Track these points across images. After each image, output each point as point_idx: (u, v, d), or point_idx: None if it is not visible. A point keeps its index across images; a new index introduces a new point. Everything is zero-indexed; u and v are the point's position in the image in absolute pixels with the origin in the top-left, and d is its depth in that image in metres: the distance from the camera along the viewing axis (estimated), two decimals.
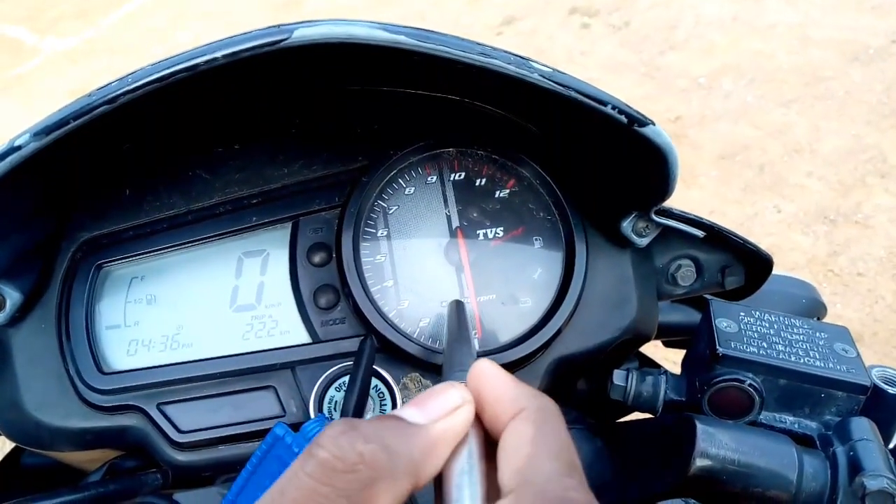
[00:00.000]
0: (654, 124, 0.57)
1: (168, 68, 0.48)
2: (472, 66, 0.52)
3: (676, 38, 4.03)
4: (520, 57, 0.54)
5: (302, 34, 0.49)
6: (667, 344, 0.95)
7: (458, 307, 0.57)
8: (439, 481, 0.36)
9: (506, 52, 0.53)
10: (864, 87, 3.54)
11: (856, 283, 2.76)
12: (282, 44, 0.49)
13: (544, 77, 0.54)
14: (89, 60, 4.86)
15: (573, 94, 0.54)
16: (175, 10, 5.30)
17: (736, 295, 0.78)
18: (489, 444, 0.37)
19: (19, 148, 0.49)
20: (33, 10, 5.52)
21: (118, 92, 0.49)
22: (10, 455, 0.78)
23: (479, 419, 0.37)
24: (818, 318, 1.05)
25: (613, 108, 0.55)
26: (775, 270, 1.14)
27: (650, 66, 3.87)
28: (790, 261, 2.85)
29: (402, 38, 0.50)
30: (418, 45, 0.51)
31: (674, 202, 0.69)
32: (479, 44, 0.53)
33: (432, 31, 0.52)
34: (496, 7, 4.57)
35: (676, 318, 0.89)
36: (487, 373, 0.38)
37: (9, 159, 0.50)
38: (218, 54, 0.48)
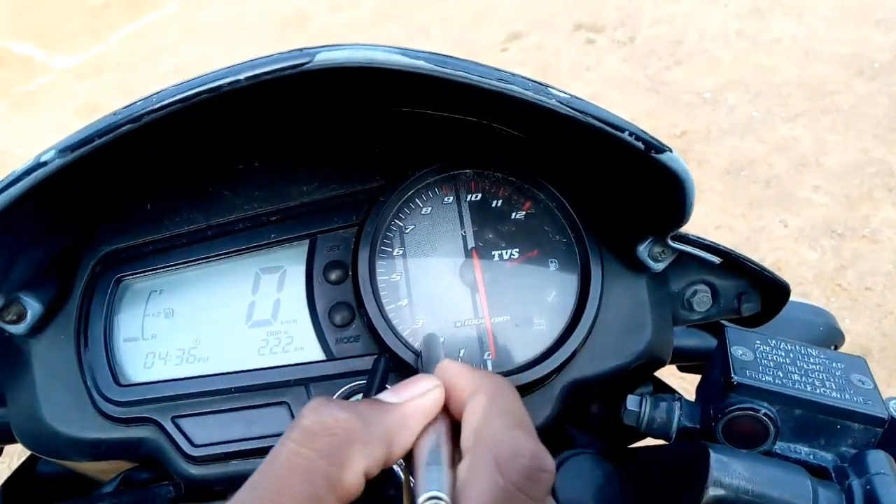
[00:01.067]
0: (671, 151, 0.57)
1: (192, 89, 0.49)
2: (490, 92, 0.53)
3: (681, 53, 4.04)
4: (538, 83, 0.54)
5: (324, 58, 0.50)
6: (682, 369, 0.95)
7: (429, 339, 0.59)
8: (410, 462, 0.40)
9: (524, 78, 0.54)
10: (869, 101, 3.54)
11: (864, 298, 2.75)
12: (304, 67, 0.50)
13: (562, 103, 0.54)
14: (98, 77, 4.90)
15: (591, 120, 0.55)
16: (183, 26, 5.35)
17: (752, 321, 0.78)
18: (456, 430, 0.41)
19: (45, 164, 0.51)
20: (43, 28, 5.57)
21: (143, 111, 0.50)
22: (26, 463, 0.79)
23: (447, 411, 0.42)
24: (835, 347, 1.04)
25: (630, 134, 0.55)
26: (797, 298, 1.14)
27: (655, 82, 3.88)
28: (798, 275, 2.85)
29: (421, 62, 0.51)
30: (437, 70, 0.51)
31: None
32: (497, 69, 0.53)
33: (450, 57, 0.53)
34: (501, 23, 4.60)
35: (692, 343, 0.88)
36: (451, 366, 0.43)
37: (34, 175, 0.51)
38: (241, 76, 0.49)
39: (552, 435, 0.69)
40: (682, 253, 0.69)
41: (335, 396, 0.64)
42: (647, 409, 0.64)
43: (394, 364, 0.65)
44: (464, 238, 0.71)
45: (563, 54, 4.22)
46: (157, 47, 5.12)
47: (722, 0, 4.39)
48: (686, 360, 0.89)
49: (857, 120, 3.46)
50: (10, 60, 5.26)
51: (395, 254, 0.70)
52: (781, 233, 3.03)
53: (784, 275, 3.19)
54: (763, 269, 0.72)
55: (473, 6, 4.82)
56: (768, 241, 3.00)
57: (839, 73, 3.72)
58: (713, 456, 0.54)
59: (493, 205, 0.72)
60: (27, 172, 0.51)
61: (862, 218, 3.02)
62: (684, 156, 3.48)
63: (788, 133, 3.46)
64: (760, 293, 0.75)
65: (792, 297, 1.10)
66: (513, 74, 0.53)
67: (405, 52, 0.51)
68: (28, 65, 5.19)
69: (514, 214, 0.72)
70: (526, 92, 0.53)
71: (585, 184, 0.71)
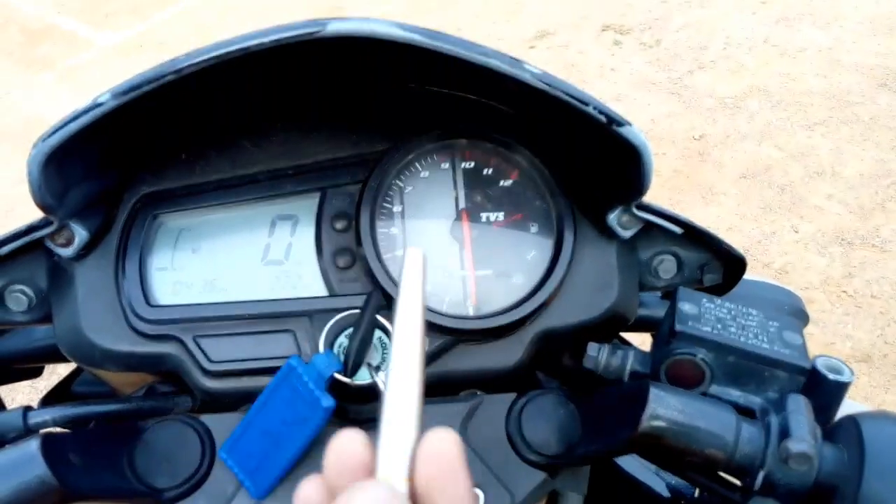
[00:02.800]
0: (630, 125, 0.65)
1: (225, 48, 0.59)
2: (473, 64, 0.61)
3: (706, 58, 4.08)
4: (514, 59, 0.62)
5: (334, 28, 0.59)
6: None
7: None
8: None
9: (503, 54, 0.62)
10: (890, 114, 3.56)
11: (869, 305, 2.79)
12: (317, 34, 0.59)
13: (535, 77, 0.62)
14: (140, 54, 5.04)
15: (559, 93, 0.63)
16: (225, 9, 5.48)
17: (715, 291, 0.85)
18: None
19: (101, 105, 0.60)
20: (89, 5, 5.73)
21: (183, 65, 0.59)
22: (63, 382, 0.89)
23: None
24: None
25: (594, 108, 0.63)
26: (769, 280, 1.21)
27: (678, 85, 3.92)
28: (804, 280, 2.89)
29: (415, 36, 0.60)
30: (429, 43, 0.60)
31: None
32: (481, 46, 0.62)
33: (442, 33, 0.61)
34: (531, 21, 4.66)
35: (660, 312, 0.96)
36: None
37: (91, 113, 0.61)
38: (265, 39, 0.59)
39: (523, 378, 0.78)
40: (650, 224, 0.77)
41: (330, 324, 0.72)
42: (605, 356, 0.72)
43: (387, 303, 0.74)
44: (456, 200, 0.80)
45: (589, 54, 4.28)
46: (197, 28, 5.25)
47: (750, 7, 4.42)
48: (653, 328, 0.96)
49: (877, 131, 3.49)
50: (56, 35, 5.42)
51: (394, 210, 0.79)
52: (792, 238, 3.07)
53: (791, 279, 3.21)
54: (721, 241, 0.79)
55: (506, 3, 4.89)
56: (778, 246, 3.05)
57: (862, 85, 3.74)
58: (652, 391, 0.62)
59: (485, 172, 0.81)
60: (86, 111, 0.61)
61: (873, 228, 3.06)
62: (701, 159, 3.55)
63: (806, 141, 3.50)
64: (722, 265, 0.83)
65: (768, 280, 1.18)
66: (494, 51, 0.62)
67: (403, 26, 0.60)
68: (73, 40, 5.33)
69: (502, 182, 0.81)
70: (503, 66, 0.61)
71: (564, 157, 0.79)
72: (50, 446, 0.61)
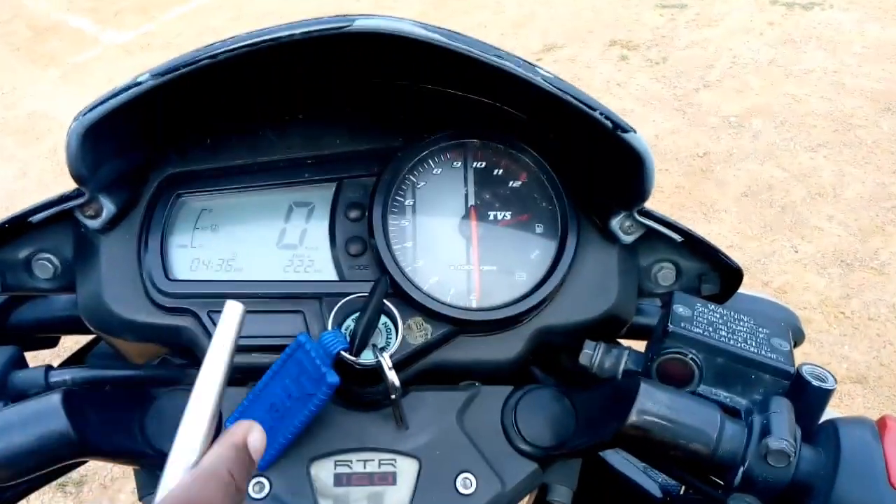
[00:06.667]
0: (635, 132, 0.68)
1: (258, 37, 0.63)
2: (488, 66, 0.64)
3: (712, 76, 4.13)
4: (528, 62, 0.66)
5: (361, 24, 0.63)
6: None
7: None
8: None
9: (517, 57, 0.66)
10: (893, 138, 3.60)
11: (865, 327, 2.82)
12: (345, 29, 0.63)
13: (546, 81, 0.65)
14: (145, 54, 5.10)
15: (568, 97, 0.66)
16: (231, 12, 5.54)
17: (712, 301, 0.88)
18: None
19: (140, 84, 0.64)
20: (98, 3, 5.79)
21: (219, 50, 0.63)
22: (77, 354, 0.93)
23: None
24: (795, 344, 1.13)
25: (601, 113, 0.66)
26: (766, 296, 1.23)
27: (683, 102, 3.97)
28: (803, 300, 2.92)
29: (436, 36, 0.63)
30: (448, 43, 0.63)
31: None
32: (497, 48, 0.65)
33: (461, 34, 0.65)
34: (539, 33, 4.72)
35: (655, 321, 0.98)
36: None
37: (130, 91, 0.64)
38: (296, 31, 0.63)
39: (520, 373, 0.81)
40: (651, 232, 0.80)
41: (339, 305, 0.75)
42: (600, 354, 0.74)
43: (394, 291, 0.77)
44: (466, 197, 0.83)
45: (595, 68, 4.32)
46: (204, 30, 5.31)
47: (758, 28, 4.47)
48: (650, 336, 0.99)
49: (879, 155, 3.52)
50: (64, 32, 5.48)
51: (406, 203, 0.82)
52: (791, 258, 3.10)
53: (789, 298, 3.23)
54: (720, 251, 0.82)
55: (515, 15, 4.95)
56: (778, 265, 3.08)
57: (866, 108, 3.78)
58: (643, 386, 0.65)
59: (495, 172, 0.84)
60: (125, 89, 0.64)
61: (872, 250, 3.08)
62: (704, 176, 3.58)
63: (809, 162, 3.53)
64: (720, 276, 0.85)
65: (766, 296, 1.20)
66: (508, 54, 0.65)
67: (425, 26, 0.64)
68: (80, 38, 5.39)
69: (511, 183, 0.84)
70: (517, 69, 0.64)
71: (571, 161, 0.82)
72: (71, 401, 0.64)
